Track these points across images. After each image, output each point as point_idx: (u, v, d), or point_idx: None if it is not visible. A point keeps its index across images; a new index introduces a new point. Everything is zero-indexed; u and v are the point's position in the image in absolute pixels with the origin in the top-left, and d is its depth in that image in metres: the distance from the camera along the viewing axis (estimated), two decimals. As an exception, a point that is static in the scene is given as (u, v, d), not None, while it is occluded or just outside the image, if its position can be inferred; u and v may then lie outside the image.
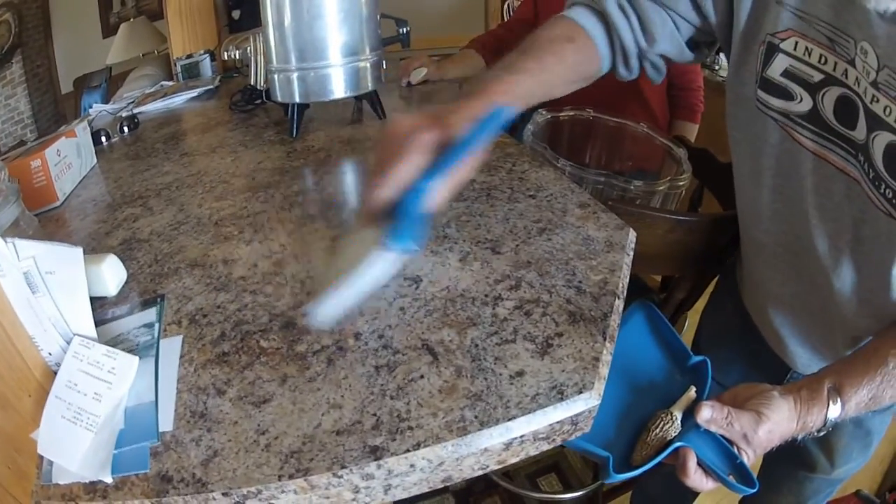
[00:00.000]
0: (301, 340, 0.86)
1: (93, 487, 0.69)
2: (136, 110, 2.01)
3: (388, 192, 0.77)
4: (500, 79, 0.98)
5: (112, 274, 1.00)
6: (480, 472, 0.75)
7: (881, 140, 0.84)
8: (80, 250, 0.82)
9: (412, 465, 0.68)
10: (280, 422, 0.73)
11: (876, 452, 1.36)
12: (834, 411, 0.87)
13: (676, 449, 0.87)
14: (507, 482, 2.38)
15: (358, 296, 0.81)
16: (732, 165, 1.19)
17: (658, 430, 0.89)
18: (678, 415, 0.92)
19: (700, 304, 1.65)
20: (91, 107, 2.18)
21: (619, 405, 0.99)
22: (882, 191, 0.86)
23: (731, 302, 1.42)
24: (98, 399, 0.76)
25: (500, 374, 0.78)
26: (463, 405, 0.73)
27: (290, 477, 0.66)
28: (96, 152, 1.62)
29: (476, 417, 0.72)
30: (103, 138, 1.76)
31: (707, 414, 0.87)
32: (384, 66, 1.68)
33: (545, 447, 0.76)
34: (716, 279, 1.58)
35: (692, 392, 0.95)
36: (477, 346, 0.82)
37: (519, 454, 0.75)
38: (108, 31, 2.50)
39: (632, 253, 1.02)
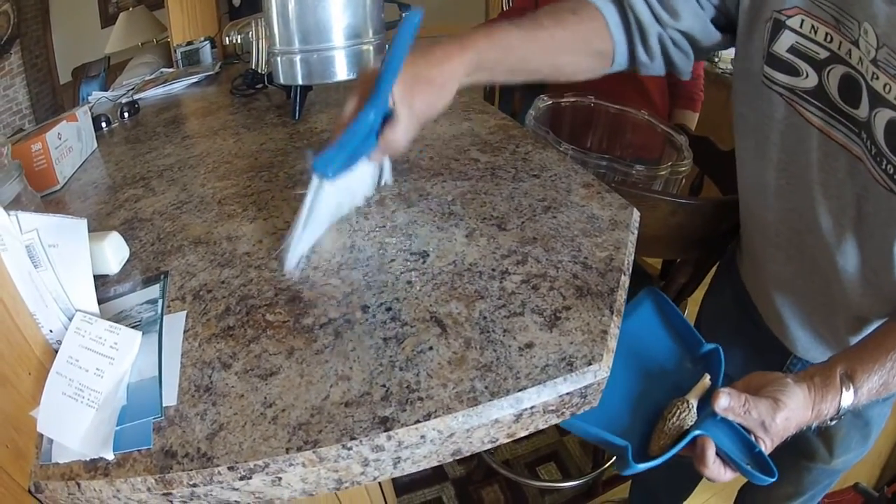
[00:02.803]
0: (308, 314, 0.84)
1: (94, 465, 0.68)
2: (136, 96, 1.99)
3: (342, 129, 0.85)
4: (484, 29, 1.00)
5: (114, 251, 0.99)
6: (490, 445, 0.73)
7: (882, 117, 0.85)
8: (84, 222, 0.81)
9: (423, 437, 0.67)
10: (287, 394, 0.72)
11: (874, 446, 1.36)
12: (847, 398, 0.86)
13: (694, 438, 0.85)
14: (507, 470, 2.40)
15: (308, 230, 0.92)
16: (735, 143, 1.18)
17: (675, 419, 0.87)
18: (694, 403, 0.89)
19: (699, 294, 1.65)
20: (90, 96, 2.16)
21: (631, 394, 0.97)
22: (884, 167, 0.87)
23: (730, 287, 1.42)
24: (100, 375, 0.75)
25: (510, 346, 0.76)
26: (473, 376, 0.72)
27: (299, 449, 0.65)
28: (96, 137, 1.61)
29: (486, 388, 0.70)
30: (103, 124, 1.75)
31: (724, 401, 0.84)
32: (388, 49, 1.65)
33: (554, 420, 0.75)
34: (716, 265, 1.58)
35: (707, 380, 0.93)
36: (485, 318, 0.81)
37: (528, 427, 0.74)
38: (107, 20, 2.48)
39: (636, 232, 1.01)
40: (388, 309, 0.84)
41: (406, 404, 0.69)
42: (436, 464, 0.72)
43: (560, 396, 0.72)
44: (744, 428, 0.85)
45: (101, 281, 0.95)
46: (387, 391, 0.71)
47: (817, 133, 0.96)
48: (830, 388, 0.86)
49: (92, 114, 1.64)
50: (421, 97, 0.90)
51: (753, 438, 0.85)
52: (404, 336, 0.79)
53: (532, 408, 0.71)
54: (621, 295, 0.86)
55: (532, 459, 2.59)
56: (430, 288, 0.87)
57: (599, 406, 0.80)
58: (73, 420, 0.71)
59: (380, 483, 1.27)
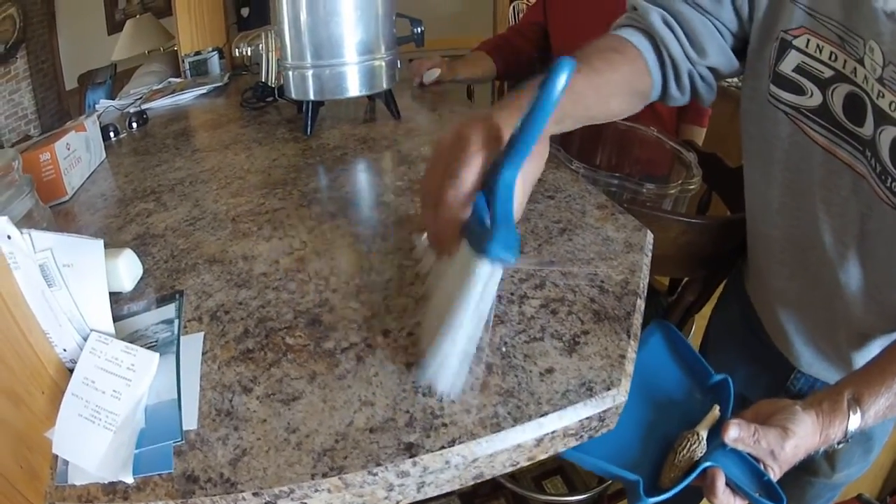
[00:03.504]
0: (328, 337, 0.84)
1: (112, 488, 0.68)
2: (144, 106, 1.99)
3: (464, 203, 0.70)
4: None
5: (128, 269, 0.98)
6: (511, 469, 0.74)
7: (887, 135, 0.86)
8: (100, 243, 0.80)
9: (447, 462, 0.67)
10: (311, 420, 0.72)
11: (876, 460, 1.36)
12: (854, 422, 0.87)
13: (704, 469, 0.86)
14: (513, 484, 2.38)
15: (472, 339, 0.72)
16: (743, 161, 1.19)
17: (685, 451, 0.88)
18: (704, 434, 0.90)
19: (706, 310, 1.65)
20: (96, 103, 2.17)
21: (641, 425, 0.98)
22: (888, 185, 0.88)
23: (737, 303, 1.42)
24: (117, 397, 0.74)
25: (531, 371, 0.77)
26: (495, 402, 0.72)
27: (324, 475, 0.65)
28: (105, 148, 1.61)
29: (509, 414, 0.71)
30: (112, 134, 1.75)
31: (734, 433, 0.85)
32: (399, 66, 1.67)
33: (573, 443, 0.76)
34: (723, 285, 1.58)
35: (716, 411, 0.94)
36: (506, 343, 0.81)
37: (548, 450, 0.74)
38: (114, 27, 2.49)
39: (650, 254, 1.02)
40: (410, 333, 0.84)
41: (430, 430, 0.69)
42: (458, 487, 0.73)
43: (580, 421, 0.72)
44: (753, 456, 0.87)
45: (114, 298, 0.94)
46: (411, 417, 0.71)
47: (821, 151, 0.97)
48: (838, 413, 0.87)
49: (100, 124, 1.65)
50: (534, 156, 0.72)
51: (763, 467, 0.87)
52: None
53: (553, 432, 0.71)
54: (637, 319, 0.87)
55: (538, 473, 2.58)
56: (451, 312, 0.87)
57: (611, 438, 0.80)
58: (91, 442, 0.71)
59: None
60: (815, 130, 0.97)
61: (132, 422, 0.73)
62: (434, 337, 0.72)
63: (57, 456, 0.71)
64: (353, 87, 1.53)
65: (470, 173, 0.69)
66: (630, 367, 0.78)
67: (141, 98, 2.11)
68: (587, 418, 0.73)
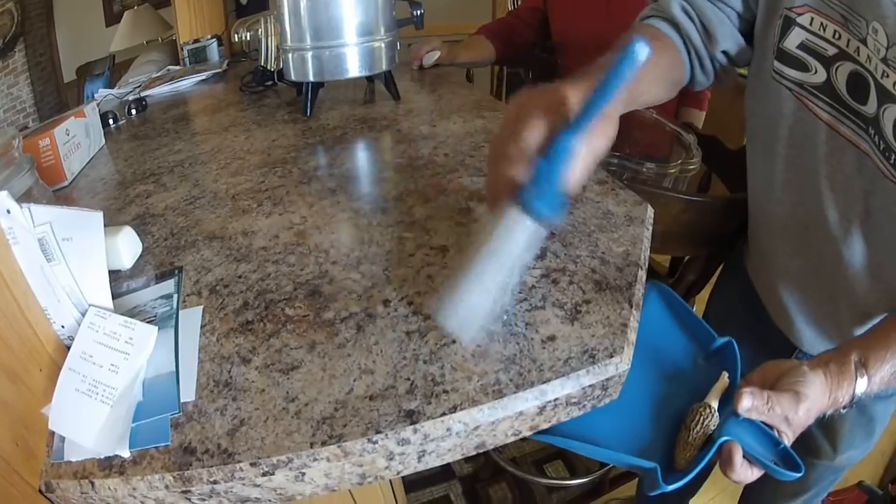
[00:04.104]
0: (328, 308, 0.83)
1: (108, 463, 0.66)
2: (143, 93, 1.99)
3: (520, 163, 0.70)
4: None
5: (127, 246, 0.98)
6: (513, 438, 0.73)
7: (891, 113, 0.86)
8: (100, 214, 0.79)
9: (448, 429, 0.66)
10: (310, 388, 0.70)
11: (878, 446, 1.36)
12: (861, 385, 0.85)
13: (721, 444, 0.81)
14: (514, 468, 2.41)
15: (498, 286, 0.73)
16: (747, 139, 1.20)
17: (699, 427, 0.83)
18: (715, 405, 0.85)
19: (705, 293, 1.65)
20: (95, 94, 2.16)
21: (648, 400, 0.93)
22: (892, 162, 0.88)
23: (738, 284, 1.42)
24: (115, 371, 0.73)
25: (532, 339, 0.76)
26: (497, 368, 0.71)
27: (323, 444, 0.64)
28: (104, 135, 1.60)
29: (511, 380, 0.70)
30: (111, 120, 1.74)
31: (748, 403, 0.81)
32: (398, 47, 1.67)
33: (575, 413, 0.75)
34: (723, 265, 1.59)
35: (725, 378, 0.89)
36: (507, 311, 0.80)
37: (551, 419, 0.73)
38: (111, 19, 2.49)
39: (651, 227, 1.01)
40: (410, 303, 0.83)
41: (431, 397, 0.68)
42: (459, 457, 0.71)
43: (583, 389, 0.71)
44: (765, 423, 0.83)
45: (113, 276, 0.92)
46: (412, 384, 0.70)
47: (825, 128, 0.97)
48: (846, 376, 0.85)
49: (99, 111, 1.64)
50: (600, 132, 0.75)
51: (776, 433, 0.83)
52: (427, 329, 0.78)
53: (556, 400, 0.70)
54: (639, 289, 0.86)
55: (540, 457, 2.59)
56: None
57: (619, 417, 0.81)
58: (87, 417, 0.69)
59: (391, 481, 1.27)
60: (819, 107, 0.98)
61: (129, 395, 0.72)
62: (461, 284, 0.73)
63: (53, 433, 0.70)
64: (353, 67, 1.53)
65: (531, 134, 0.70)
66: (633, 336, 0.77)
67: (140, 86, 2.10)
68: (590, 386, 0.72)
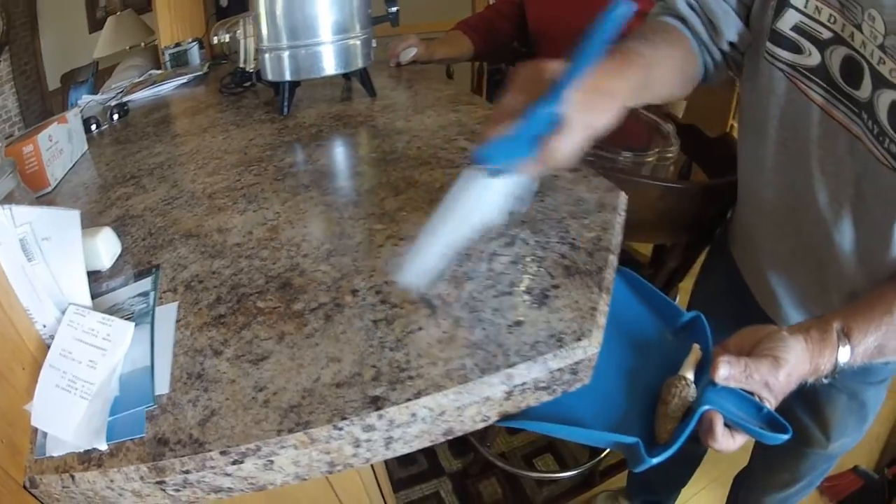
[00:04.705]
0: (298, 299, 0.84)
1: (87, 457, 0.67)
2: (125, 98, 1.99)
3: (498, 123, 0.72)
4: (631, 44, 0.95)
5: (107, 246, 0.98)
6: (482, 424, 0.73)
7: (886, 98, 0.85)
8: (77, 213, 0.80)
9: (413, 415, 0.67)
10: (279, 378, 0.71)
11: (872, 431, 1.35)
12: (844, 354, 0.84)
13: (702, 414, 0.78)
14: (504, 462, 2.38)
15: (443, 233, 0.76)
16: (738, 121, 1.21)
17: (676, 399, 0.79)
18: (690, 377, 0.82)
19: (688, 284, 1.65)
20: (79, 100, 2.16)
21: (622, 381, 0.89)
22: (886, 145, 0.87)
23: (722, 271, 1.42)
24: (93, 366, 0.74)
25: (499, 324, 0.76)
26: (463, 354, 0.71)
27: (290, 431, 0.64)
28: (87, 140, 1.60)
29: (476, 365, 0.70)
30: (93, 126, 1.74)
31: (724, 371, 0.79)
32: (374, 44, 1.67)
33: (546, 398, 0.74)
34: (706, 250, 1.58)
35: (697, 350, 0.87)
36: (474, 298, 0.81)
37: (520, 404, 0.73)
38: (95, 25, 2.48)
39: (623, 214, 1.00)
40: (378, 292, 0.83)
41: (396, 383, 0.68)
42: (428, 444, 0.72)
43: (551, 373, 0.71)
44: (746, 390, 0.82)
45: (93, 277, 0.94)
46: (377, 371, 0.70)
47: (818, 111, 0.97)
48: (828, 343, 0.84)
49: (82, 117, 1.64)
50: (601, 108, 0.77)
51: (758, 399, 0.81)
52: (394, 318, 0.78)
53: (523, 384, 0.70)
54: (610, 274, 0.85)
55: (528, 451, 2.57)
56: (420, 271, 0.87)
57: (594, 400, 0.80)
58: (67, 412, 0.70)
59: (377, 478, 1.27)
60: (812, 90, 0.97)
61: (106, 390, 0.73)
62: (417, 240, 0.75)
63: (36, 430, 0.71)
64: (329, 65, 1.53)
65: (515, 101, 0.73)
66: (602, 320, 0.77)
67: (122, 91, 2.10)
68: (558, 370, 0.72)
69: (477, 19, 2.33)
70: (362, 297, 0.83)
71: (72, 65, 2.40)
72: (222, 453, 0.64)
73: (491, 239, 0.92)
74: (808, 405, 1.31)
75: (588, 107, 0.74)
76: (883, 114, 0.86)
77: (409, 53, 2.02)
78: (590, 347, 0.73)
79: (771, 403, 0.81)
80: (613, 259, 0.89)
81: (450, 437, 0.72)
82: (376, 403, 0.66)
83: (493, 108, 0.78)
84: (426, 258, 0.76)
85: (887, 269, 0.97)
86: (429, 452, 2.56)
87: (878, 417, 1.31)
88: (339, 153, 1.36)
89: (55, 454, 0.68)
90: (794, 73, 0.99)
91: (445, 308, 0.79)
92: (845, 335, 0.85)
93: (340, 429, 0.65)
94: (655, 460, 0.74)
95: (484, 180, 0.72)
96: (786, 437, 0.76)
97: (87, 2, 2.44)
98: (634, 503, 2.28)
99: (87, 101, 2.04)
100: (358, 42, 1.56)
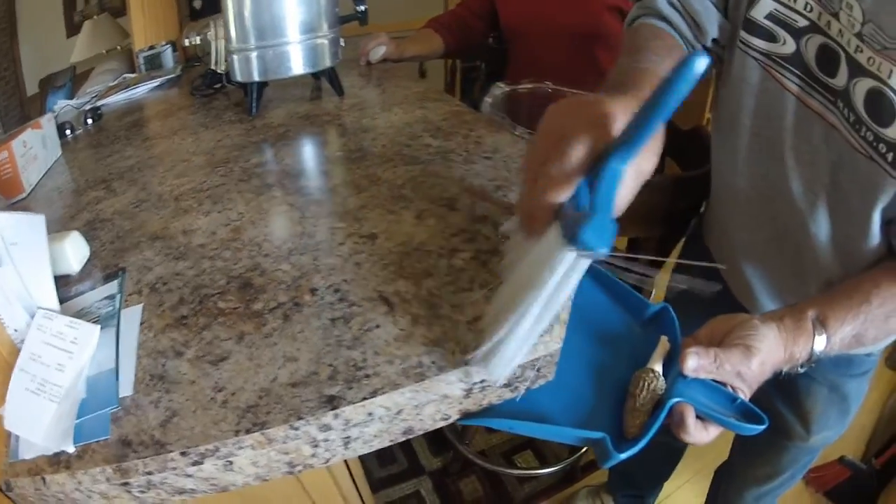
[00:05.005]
0: (258, 299, 0.84)
1: (57, 459, 0.68)
2: (99, 103, 1.98)
3: (562, 184, 0.62)
4: (646, 68, 0.89)
5: (75, 251, 0.98)
6: (443, 423, 0.73)
7: (862, 86, 0.85)
8: (41, 217, 0.81)
9: (370, 414, 0.67)
10: (237, 378, 0.71)
11: (858, 422, 1.34)
12: (820, 343, 0.83)
13: (672, 407, 0.75)
14: (483, 460, 2.38)
15: (536, 327, 0.65)
16: (712, 112, 1.19)
17: (644, 392, 0.76)
18: (659, 369, 0.80)
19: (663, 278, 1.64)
20: (55, 105, 2.15)
21: (589, 377, 0.86)
22: (863, 134, 0.87)
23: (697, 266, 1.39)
24: (61, 369, 0.74)
25: (457, 321, 0.76)
26: (420, 352, 0.71)
27: (247, 431, 0.65)
28: (61, 145, 1.60)
29: (434, 363, 0.70)
30: (68, 131, 1.73)
31: (693, 363, 0.76)
32: (342, 43, 1.66)
33: (508, 395, 0.74)
34: (681, 244, 1.57)
35: (666, 342, 0.84)
36: (433, 294, 0.81)
37: (481, 402, 0.73)
38: (73, 30, 2.46)
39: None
40: (336, 290, 0.83)
41: (353, 382, 0.68)
42: (388, 443, 0.72)
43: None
44: (719, 381, 0.79)
45: (63, 281, 0.95)
46: (333, 370, 0.70)
47: (793, 99, 0.97)
48: (803, 332, 0.83)
49: (57, 122, 1.63)
50: (647, 152, 0.66)
51: (731, 389, 0.78)
52: (352, 316, 0.78)
53: (482, 382, 0.70)
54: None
55: (508, 448, 2.55)
56: (379, 268, 0.87)
57: (561, 398, 0.78)
58: (37, 415, 0.71)
59: (353, 478, 1.27)
60: (787, 78, 0.97)
61: (73, 392, 0.73)
62: (499, 318, 0.66)
63: (10, 433, 0.72)
64: (297, 65, 1.53)
65: (577, 152, 0.61)
66: (564, 315, 0.76)
67: (96, 95, 2.09)
68: (519, 367, 0.71)
69: (448, 17, 2.31)
70: (321, 295, 0.83)
71: (50, 70, 2.38)
72: (182, 454, 0.64)
73: (453, 235, 0.93)
74: (789, 398, 1.30)
75: (642, 154, 0.63)
76: (859, 102, 0.86)
77: (379, 52, 2.01)
78: (551, 343, 0.72)
79: (745, 394, 0.78)
80: (576, 254, 0.88)
81: (410, 436, 0.73)
82: (332, 403, 0.66)
83: (540, 156, 0.65)
84: (511, 349, 0.66)
85: (864, 258, 0.97)
86: (408, 451, 2.54)
87: (864, 408, 1.30)
88: (305, 152, 1.36)
89: (27, 457, 0.69)
90: (769, 62, 0.99)
91: (403, 305, 0.79)
92: (821, 323, 0.84)
93: (297, 429, 0.65)
94: (623, 455, 0.72)
95: (570, 253, 0.61)
96: (761, 427, 0.74)
97: (65, 6, 2.42)
98: (616, 498, 2.27)
99: (62, 106, 2.03)
100: (325, 41, 1.55)
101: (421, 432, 0.73)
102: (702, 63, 0.52)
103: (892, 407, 2.62)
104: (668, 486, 2.19)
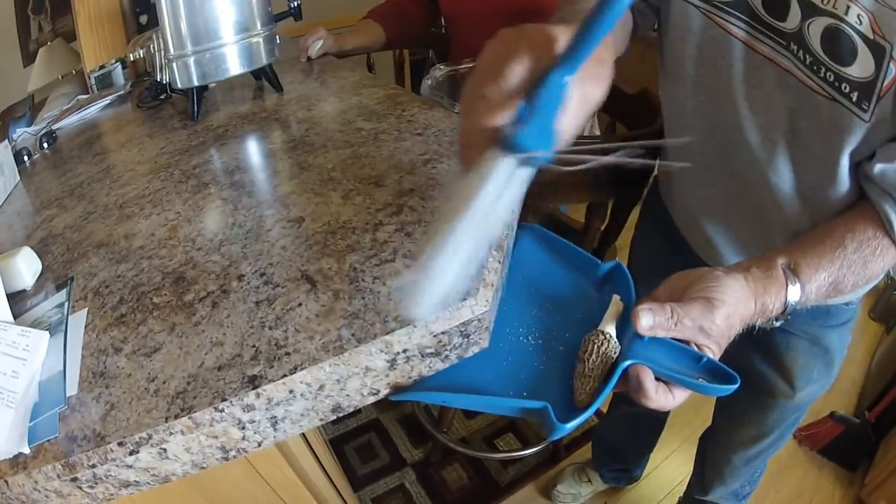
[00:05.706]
0: (189, 291, 0.85)
1: (16, 461, 0.69)
2: (54, 126, 1.98)
3: (502, 105, 0.59)
4: (578, 11, 0.84)
5: (28, 266, 1.00)
6: (372, 398, 0.73)
7: (817, 25, 0.81)
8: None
9: (291, 391, 0.67)
10: (168, 367, 0.72)
11: (846, 375, 1.30)
12: (794, 293, 0.78)
13: (625, 370, 0.70)
14: (465, 447, 2.38)
15: (465, 244, 0.61)
16: (659, 66, 1.15)
17: (594, 356, 0.70)
18: (611, 331, 0.73)
19: (625, 244, 1.63)
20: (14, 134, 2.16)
21: (536, 343, 0.80)
22: (822, 75, 0.84)
23: (657, 227, 1.38)
24: (16, 376, 0.77)
25: (379, 293, 0.76)
26: (340, 325, 0.72)
27: (176, 417, 0.66)
28: (19, 171, 1.60)
29: (353, 335, 0.70)
30: (25, 157, 1.74)
31: (647, 321, 0.70)
32: (277, 41, 1.67)
33: (439, 365, 0.73)
34: (639, 209, 1.55)
35: (618, 302, 0.79)
36: (356, 269, 0.81)
37: (408, 374, 0.72)
38: (29, 59, 2.46)
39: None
40: (262, 274, 0.84)
41: (274, 360, 0.69)
42: (318, 423, 0.72)
43: (435, 336, 0.70)
44: (682, 340, 0.73)
45: (19, 296, 0.96)
46: (256, 351, 0.71)
47: (741, 45, 0.92)
48: (773, 281, 0.78)
49: (15, 149, 1.65)
50: (595, 80, 0.64)
51: (696, 348, 0.72)
52: (275, 297, 0.79)
53: (406, 351, 0.69)
54: (502, 232, 0.82)
55: (489, 433, 2.55)
56: (303, 249, 0.87)
57: (504, 366, 0.75)
58: (-3, 421, 0.73)
59: (330, 477, 1.28)
60: (732, 24, 0.92)
61: (27, 397, 0.75)
62: (429, 246, 0.61)
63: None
64: (234, 66, 1.54)
65: (515, 72, 0.59)
66: (492, 278, 0.75)
67: (51, 120, 2.10)
68: (444, 333, 0.70)
69: (387, 6, 2.31)
70: (247, 280, 0.84)
71: (10, 101, 2.38)
72: (119, 444, 0.66)
73: (378, 210, 0.93)
74: (767, 354, 1.25)
75: (588, 79, 0.62)
76: (816, 42, 0.82)
77: (317, 46, 2.00)
78: (477, 307, 0.71)
79: (713, 352, 0.72)
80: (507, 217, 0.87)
81: (340, 414, 0.73)
82: (254, 382, 0.67)
83: (477, 75, 0.63)
84: (449, 269, 0.62)
85: (832, 207, 0.94)
86: (388, 445, 2.53)
87: (852, 360, 1.26)
88: (241, 149, 1.37)
89: (-9, 463, 0.70)
90: (710, 9, 0.94)
91: (326, 282, 0.80)
92: (793, 272, 0.80)
93: (221, 410, 0.66)
94: (569, 426, 0.66)
95: (513, 169, 0.59)
96: (733, 387, 0.68)
97: (20, 36, 2.42)
98: (602, 473, 2.24)
99: (20, 133, 2.03)
100: (260, 39, 1.56)
101: (351, 409, 0.73)
102: None
103: (881, 359, 2.56)
104: (655, 457, 2.19)
